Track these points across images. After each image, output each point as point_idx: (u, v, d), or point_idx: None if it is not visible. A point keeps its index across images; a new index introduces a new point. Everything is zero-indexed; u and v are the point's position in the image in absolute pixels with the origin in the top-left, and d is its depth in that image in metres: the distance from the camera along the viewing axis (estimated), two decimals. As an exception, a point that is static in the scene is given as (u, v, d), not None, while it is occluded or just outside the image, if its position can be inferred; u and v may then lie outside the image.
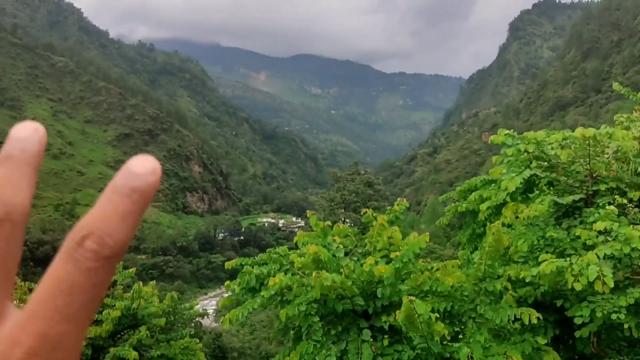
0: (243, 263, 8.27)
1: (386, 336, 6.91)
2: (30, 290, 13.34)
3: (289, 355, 7.09)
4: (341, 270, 7.01)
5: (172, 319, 14.47)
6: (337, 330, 6.96)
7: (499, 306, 6.70)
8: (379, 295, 6.96)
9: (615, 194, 7.20)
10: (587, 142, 7.05)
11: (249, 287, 7.72)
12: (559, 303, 6.95)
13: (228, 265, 8.48)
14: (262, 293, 7.28)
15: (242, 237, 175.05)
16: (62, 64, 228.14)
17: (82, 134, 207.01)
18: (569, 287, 5.99)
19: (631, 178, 7.41)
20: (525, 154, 7.37)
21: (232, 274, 8.40)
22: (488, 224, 8.41)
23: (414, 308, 5.95)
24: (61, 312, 0.47)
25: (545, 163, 7.57)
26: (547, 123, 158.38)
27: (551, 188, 7.70)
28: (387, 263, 6.93)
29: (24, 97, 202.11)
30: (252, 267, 7.96)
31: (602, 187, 7.26)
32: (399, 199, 8.83)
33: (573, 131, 7.28)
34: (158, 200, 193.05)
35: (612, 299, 6.30)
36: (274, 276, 7.18)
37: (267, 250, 8.64)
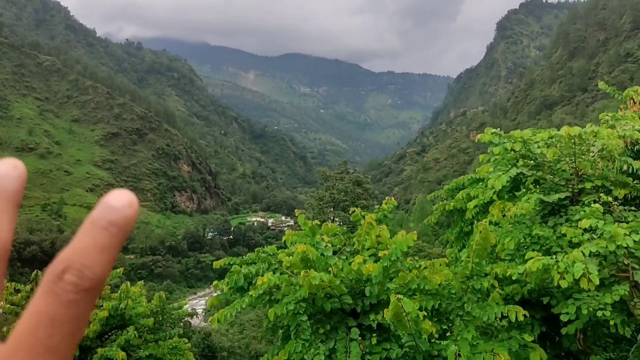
0: (231, 262, 8.26)
1: (374, 334, 6.93)
2: (17, 290, 13.24)
3: (277, 355, 7.09)
4: (329, 269, 7.02)
5: (161, 319, 14.41)
6: (325, 329, 6.97)
7: (486, 304, 6.74)
8: (367, 294, 6.97)
9: (601, 192, 7.26)
10: (573, 140, 7.11)
11: (237, 287, 7.71)
12: (545, 300, 7.00)
13: (216, 264, 8.46)
14: (250, 292, 7.27)
15: (231, 237, 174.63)
16: (48, 63, 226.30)
17: (69, 133, 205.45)
18: (555, 284, 6.04)
19: (616, 176, 7.48)
20: (512, 152, 7.42)
21: (221, 274, 8.38)
22: (475, 222, 8.46)
23: (402, 306, 5.97)
24: (43, 344, 0.48)
25: (532, 161, 7.62)
26: (534, 122, 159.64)
27: (537, 186, 7.75)
28: (376, 262, 6.95)
29: (10, 96, 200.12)
30: (241, 267, 7.95)
31: (588, 185, 7.32)
32: (387, 197, 8.85)
33: (559, 130, 7.34)
34: (147, 200, 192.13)
35: (597, 296, 6.35)
36: (262, 275, 7.17)
37: (256, 249, 8.63)
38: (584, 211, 6.78)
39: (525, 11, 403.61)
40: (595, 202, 7.00)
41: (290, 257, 7.14)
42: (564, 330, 6.80)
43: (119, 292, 13.58)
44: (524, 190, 7.90)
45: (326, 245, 7.35)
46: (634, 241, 6.11)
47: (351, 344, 6.69)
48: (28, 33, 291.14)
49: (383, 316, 6.49)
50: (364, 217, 7.83)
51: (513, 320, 6.41)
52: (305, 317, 6.88)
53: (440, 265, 7.53)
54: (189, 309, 21.61)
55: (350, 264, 6.97)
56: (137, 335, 12.95)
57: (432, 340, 7.12)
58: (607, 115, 8.52)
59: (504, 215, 8.78)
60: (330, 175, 52.90)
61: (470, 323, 6.71)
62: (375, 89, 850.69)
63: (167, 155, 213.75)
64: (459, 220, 11.09)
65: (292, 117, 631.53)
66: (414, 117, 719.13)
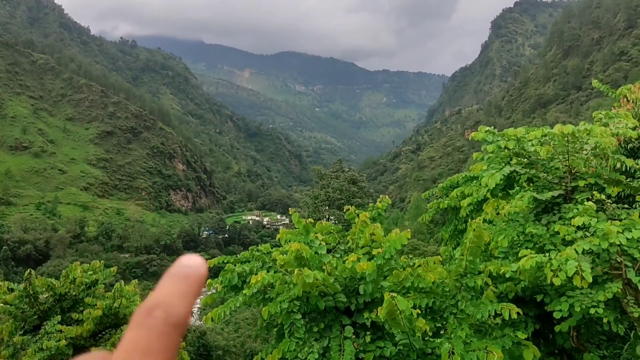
0: (225, 261, 8.24)
1: (368, 333, 6.93)
2: (11, 290, 13.16)
3: (271, 353, 7.08)
4: (323, 267, 7.01)
5: (155, 317, 14.36)
6: (319, 328, 6.97)
7: (480, 302, 6.75)
8: (361, 292, 6.97)
9: (594, 190, 7.27)
10: (566, 138, 7.12)
11: (231, 285, 7.69)
12: (539, 298, 7.01)
13: (210, 263, 8.42)
14: (244, 291, 7.25)
15: (226, 235, 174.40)
16: (42, 61, 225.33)
17: (64, 131, 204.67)
18: (549, 282, 6.04)
19: (609, 174, 7.50)
20: (506, 150, 7.42)
21: (216, 272, 8.36)
22: (470, 220, 8.48)
23: (396, 304, 5.97)
24: None
25: (525, 159, 7.63)
26: (529, 120, 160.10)
27: (531, 184, 7.76)
28: (369, 260, 6.94)
29: (4, 94, 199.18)
30: (235, 265, 7.93)
31: (581, 183, 7.33)
32: (381, 195, 8.85)
33: (552, 128, 7.35)
34: (141, 199, 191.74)
35: (590, 293, 6.36)
36: (256, 274, 7.15)
37: (250, 248, 8.61)
38: (577, 209, 6.79)
39: (519, 10, 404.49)
40: (588, 200, 7.01)
41: (284, 255, 7.13)
42: (557, 328, 6.81)
43: (113, 291, 13.53)
44: (517, 188, 7.90)
45: (320, 244, 7.34)
46: (627, 239, 6.13)
47: (345, 342, 6.69)
48: (22, 31, 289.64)
49: (377, 314, 6.48)
50: (358, 215, 7.82)
51: (507, 318, 6.42)
52: (299, 316, 6.87)
53: (434, 263, 7.53)
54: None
55: (344, 262, 6.96)
56: (131, 334, 12.92)
57: (426, 338, 7.13)
58: (601, 113, 8.53)
59: (497, 213, 8.79)
60: (325, 173, 52.88)
61: (464, 321, 6.71)
62: (370, 88, 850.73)
63: (161, 154, 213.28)
64: (453, 218, 11.11)
65: (287, 116, 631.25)
66: (409, 116, 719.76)
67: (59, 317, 12.53)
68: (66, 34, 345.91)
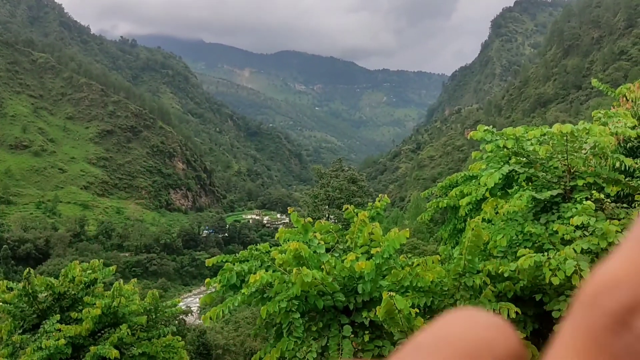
0: (224, 260, 8.24)
1: (367, 332, 6.93)
2: (10, 289, 13.14)
3: (270, 352, 7.08)
4: (322, 266, 7.01)
5: (154, 316, 14.36)
6: (318, 327, 6.97)
7: (479, 301, 6.74)
8: (360, 291, 6.97)
9: (593, 189, 7.27)
10: (565, 137, 7.11)
11: (229, 284, 7.69)
12: (538, 297, 7.00)
13: (209, 262, 8.43)
14: (243, 290, 7.25)
15: (226, 234, 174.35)
16: (42, 60, 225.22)
17: (64, 130, 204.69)
18: (547, 281, 6.04)
19: (608, 173, 7.49)
20: (505, 149, 7.42)
21: (215, 271, 8.37)
22: (468, 219, 8.47)
23: (394, 303, 5.97)
24: None
25: (524, 159, 7.62)
26: (529, 120, 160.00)
27: (530, 183, 7.76)
28: (368, 259, 6.94)
29: (4, 93, 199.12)
30: (233, 264, 7.93)
31: (580, 182, 7.33)
32: (380, 195, 8.85)
33: (551, 127, 7.35)
34: (141, 198, 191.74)
35: (589, 292, 6.35)
36: (254, 273, 7.15)
37: (248, 247, 8.61)
38: (576, 208, 6.79)
39: (519, 9, 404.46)
40: (587, 199, 7.01)
41: (283, 254, 7.13)
42: (556, 327, 6.81)
43: (112, 290, 13.54)
44: (516, 187, 7.91)
45: (319, 243, 7.33)
46: (626, 238, 6.12)
47: (343, 341, 6.68)
48: (22, 30, 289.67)
49: (375, 313, 6.48)
50: (357, 214, 7.82)
51: (505, 317, 6.41)
52: (297, 315, 6.87)
53: (433, 262, 7.53)
54: (183, 307, 21.61)
55: (342, 261, 6.96)
56: (130, 333, 12.90)
57: (425, 338, 7.10)
58: (600, 112, 8.53)
59: (496, 213, 8.79)
60: (325, 172, 52.91)
61: (462, 320, 6.70)
62: (370, 87, 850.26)
63: (161, 153, 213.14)
64: (453, 217, 11.10)
65: (287, 115, 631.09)
66: (409, 115, 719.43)
67: (58, 316, 12.52)
68: (66, 33, 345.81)
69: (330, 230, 8.20)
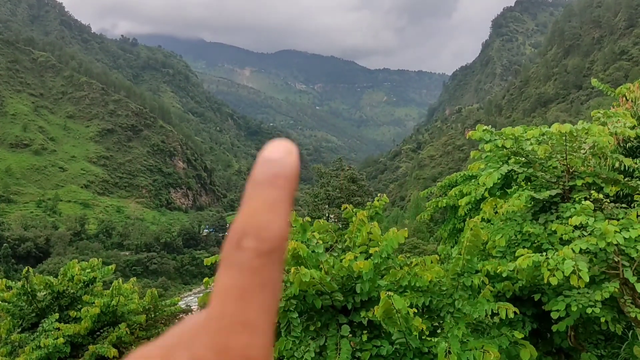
0: (222, 259, 8.21)
1: (365, 331, 6.92)
2: (9, 287, 13.16)
3: (268, 352, 7.06)
4: (320, 266, 7.00)
5: (153, 315, 14.37)
6: (316, 326, 6.95)
7: (477, 301, 6.73)
8: (358, 291, 6.95)
9: (592, 189, 7.26)
10: (564, 137, 7.10)
11: (228, 284, 7.67)
12: (536, 297, 7.00)
13: (207, 261, 8.40)
14: (241, 289, 7.23)
15: (226, 233, 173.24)
16: (43, 59, 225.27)
17: (64, 129, 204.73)
18: (546, 281, 6.03)
19: (608, 173, 7.48)
20: (503, 149, 7.41)
21: (215, 270, 8.33)
22: (468, 219, 8.46)
23: (392, 303, 5.96)
24: (236, 320, 0.43)
25: (523, 159, 7.61)
26: (529, 119, 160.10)
27: (529, 183, 7.75)
28: (367, 259, 6.93)
29: (5, 92, 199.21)
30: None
31: (579, 182, 7.31)
32: (379, 194, 8.84)
33: (551, 127, 7.33)
34: (142, 196, 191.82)
35: (587, 293, 6.35)
36: (252, 272, 7.13)
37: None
38: (575, 208, 6.77)
39: (520, 9, 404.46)
40: (586, 199, 6.99)
41: (281, 254, 7.10)
42: (554, 327, 6.80)
43: (111, 288, 13.54)
44: (515, 187, 7.90)
45: (317, 242, 7.32)
46: (624, 238, 6.12)
47: (342, 341, 6.67)
48: (22, 29, 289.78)
49: (374, 313, 6.47)
50: (355, 213, 7.81)
51: (504, 317, 6.41)
52: (295, 314, 6.85)
53: (432, 262, 7.52)
54: (183, 306, 21.58)
55: (341, 260, 6.95)
56: (129, 332, 12.92)
57: (423, 337, 7.11)
58: (599, 112, 8.52)
59: (495, 212, 8.78)
60: (325, 172, 52.96)
61: (460, 320, 6.70)
62: (370, 86, 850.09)
63: (162, 152, 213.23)
64: (452, 217, 11.10)
65: (287, 114, 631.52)
66: (410, 114, 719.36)
67: (56, 315, 12.53)
68: (67, 32, 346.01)
69: (329, 229, 8.19)
